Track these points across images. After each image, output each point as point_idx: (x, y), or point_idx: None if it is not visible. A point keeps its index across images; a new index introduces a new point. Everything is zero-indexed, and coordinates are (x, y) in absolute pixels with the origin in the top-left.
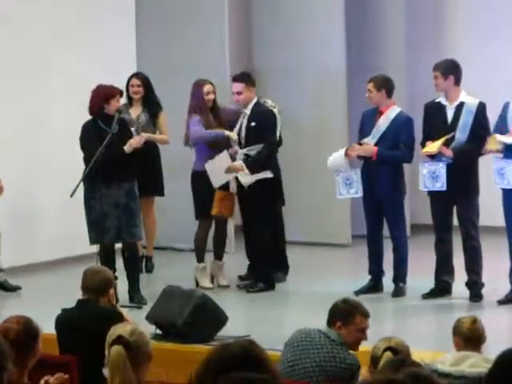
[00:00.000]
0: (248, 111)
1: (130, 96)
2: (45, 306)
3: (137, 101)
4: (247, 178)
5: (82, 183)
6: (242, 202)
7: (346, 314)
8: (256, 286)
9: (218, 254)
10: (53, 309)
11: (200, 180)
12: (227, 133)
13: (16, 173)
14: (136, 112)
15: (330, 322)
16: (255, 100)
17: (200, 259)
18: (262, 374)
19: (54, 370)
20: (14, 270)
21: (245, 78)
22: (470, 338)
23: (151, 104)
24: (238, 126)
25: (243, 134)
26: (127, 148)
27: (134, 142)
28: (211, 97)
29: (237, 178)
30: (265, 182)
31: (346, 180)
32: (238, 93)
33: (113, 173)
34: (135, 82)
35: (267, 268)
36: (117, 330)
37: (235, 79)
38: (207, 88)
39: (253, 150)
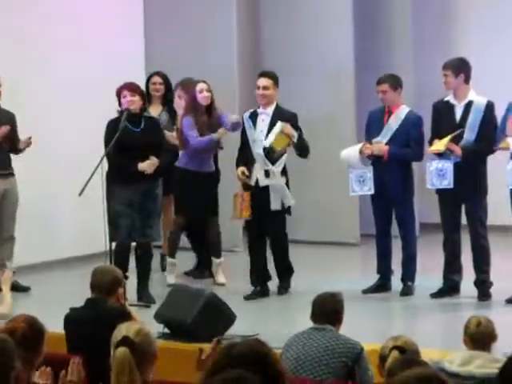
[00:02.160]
0: (270, 112)
1: (150, 94)
2: (55, 305)
3: (157, 99)
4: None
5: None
6: (261, 209)
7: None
8: (286, 290)
9: (216, 252)
10: (63, 308)
11: (182, 177)
12: (216, 136)
13: (28, 172)
14: (156, 111)
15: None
16: (276, 103)
17: (172, 255)
18: (268, 373)
19: (61, 369)
20: (24, 269)
21: (273, 76)
22: (476, 338)
23: (171, 103)
24: (253, 130)
25: (264, 134)
26: (140, 167)
27: (147, 168)
28: (205, 94)
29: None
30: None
31: (359, 177)
32: (265, 87)
33: (129, 172)
34: (157, 79)
35: (290, 268)
36: (122, 330)
37: (263, 74)
38: (200, 86)
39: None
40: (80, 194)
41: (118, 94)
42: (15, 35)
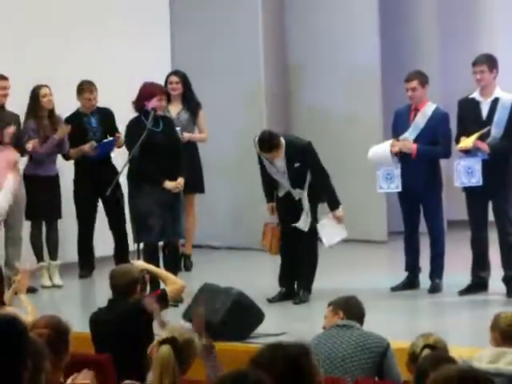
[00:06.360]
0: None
1: (169, 93)
2: (83, 304)
3: (175, 98)
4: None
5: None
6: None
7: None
8: (304, 298)
9: (53, 255)
10: (90, 307)
11: (33, 183)
12: (58, 135)
13: None
14: (176, 110)
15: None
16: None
17: (41, 258)
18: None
19: (88, 369)
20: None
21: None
22: (508, 334)
23: (191, 102)
24: (271, 166)
25: (283, 170)
26: (166, 185)
27: (172, 188)
28: (50, 98)
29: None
30: None
31: (386, 175)
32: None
33: (157, 172)
34: (174, 79)
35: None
36: (175, 331)
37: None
38: (43, 91)
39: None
40: (108, 193)
41: (153, 95)
42: (41, 32)
